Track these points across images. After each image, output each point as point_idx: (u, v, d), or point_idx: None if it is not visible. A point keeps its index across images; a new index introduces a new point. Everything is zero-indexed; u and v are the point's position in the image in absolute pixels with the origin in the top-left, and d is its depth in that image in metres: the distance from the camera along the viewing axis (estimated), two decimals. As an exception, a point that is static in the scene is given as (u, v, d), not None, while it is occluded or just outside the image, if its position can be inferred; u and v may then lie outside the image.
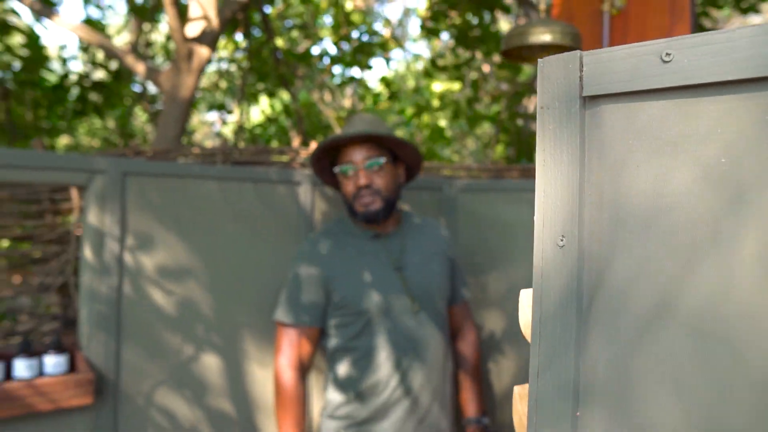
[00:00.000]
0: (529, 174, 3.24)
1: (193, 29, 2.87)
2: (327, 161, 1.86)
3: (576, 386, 0.58)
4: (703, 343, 0.50)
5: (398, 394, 1.75)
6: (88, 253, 1.73)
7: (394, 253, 1.81)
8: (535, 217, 0.59)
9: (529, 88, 4.35)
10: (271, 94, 5.82)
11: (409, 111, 5.39)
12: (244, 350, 2.05)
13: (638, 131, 0.55)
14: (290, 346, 1.76)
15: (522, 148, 4.33)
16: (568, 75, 0.57)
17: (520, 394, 1.03)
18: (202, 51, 2.79)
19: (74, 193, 2.44)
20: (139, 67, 2.82)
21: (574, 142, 0.57)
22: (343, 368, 1.78)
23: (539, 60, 0.57)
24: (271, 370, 2.09)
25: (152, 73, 2.81)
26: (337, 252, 1.79)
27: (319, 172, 1.88)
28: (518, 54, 1.96)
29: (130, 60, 2.80)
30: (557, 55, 0.58)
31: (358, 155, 1.74)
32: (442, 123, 6.59)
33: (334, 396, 1.79)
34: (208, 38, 2.83)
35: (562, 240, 0.57)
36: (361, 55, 4.70)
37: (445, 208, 2.35)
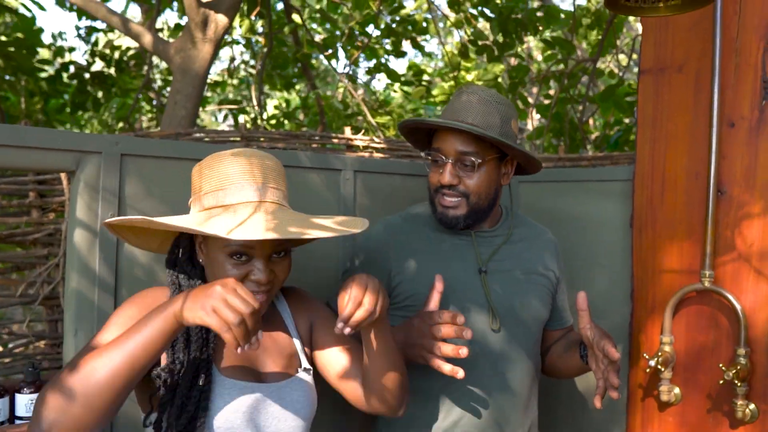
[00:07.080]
0: (599, 162, 2.82)
1: (208, -6, 2.45)
2: (424, 135, 1.54)
3: None
4: None
5: (467, 428, 1.40)
6: (76, 253, 1.32)
7: (483, 253, 1.47)
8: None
9: (585, 69, 3.88)
10: (288, 86, 5.40)
11: (441, 96, 4.89)
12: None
13: None
14: None
15: (574, 140, 3.86)
16: None
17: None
18: (220, 18, 2.37)
19: (65, 182, 2.02)
20: (146, 38, 2.40)
21: None
22: None
23: None
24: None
25: (160, 44, 2.39)
26: (410, 241, 1.49)
27: (414, 143, 1.58)
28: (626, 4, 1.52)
29: (135, 28, 2.38)
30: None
31: (450, 145, 1.41)
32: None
33: (384, 422, 1.47)
34: (227, 4, 2.41)
35: None
36: (389, 39, 4.26)
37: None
